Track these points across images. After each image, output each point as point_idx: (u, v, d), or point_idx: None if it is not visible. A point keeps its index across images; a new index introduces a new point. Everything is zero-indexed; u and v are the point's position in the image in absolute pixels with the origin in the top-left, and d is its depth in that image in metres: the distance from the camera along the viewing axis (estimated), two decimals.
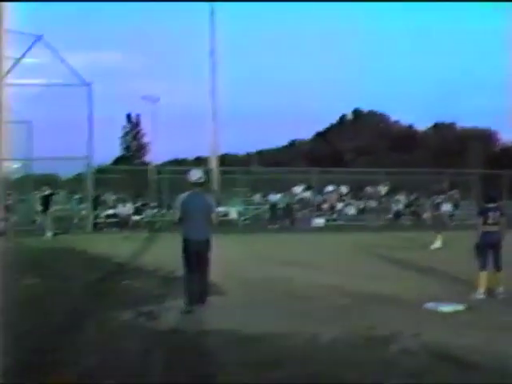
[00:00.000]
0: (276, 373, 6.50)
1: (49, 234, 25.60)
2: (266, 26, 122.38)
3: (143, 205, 33.67)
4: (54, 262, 16.31)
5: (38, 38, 30.04)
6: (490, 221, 11.47)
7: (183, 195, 10.27)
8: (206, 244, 10.11)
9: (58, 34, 79.86)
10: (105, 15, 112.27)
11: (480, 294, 11.21)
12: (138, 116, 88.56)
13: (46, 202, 26.42)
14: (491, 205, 11.71)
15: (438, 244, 20.69)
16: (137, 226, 27.19)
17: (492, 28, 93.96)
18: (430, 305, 10.32)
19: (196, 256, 9.94)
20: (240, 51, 74.52)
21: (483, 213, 11.62)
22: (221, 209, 29.04)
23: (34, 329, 8.54)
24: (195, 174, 10.32)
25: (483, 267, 11.35)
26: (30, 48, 30.10)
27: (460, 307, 10.18)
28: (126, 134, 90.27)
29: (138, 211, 27.90)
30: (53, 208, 26.71)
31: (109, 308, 10.04)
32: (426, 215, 28.73)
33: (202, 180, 10.36)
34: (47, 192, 26.77)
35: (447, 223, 23.48)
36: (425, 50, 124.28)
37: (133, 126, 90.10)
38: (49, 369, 6.60)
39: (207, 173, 27.55)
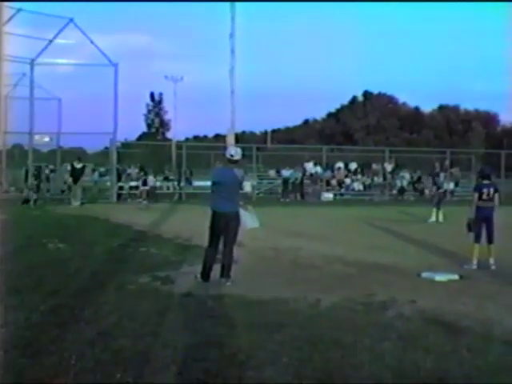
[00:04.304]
0: (279, 334, 6.54)
1: (76, 203, 25.82)
2: (282, 11, 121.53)
3: (164, 178, 33.81)
4: (79, 229, 16.43)
5: (70, 21, 30.03)
6: (484, 197, 11.46)
7: (216, 168, 10.00)
8: (233, 217, 9.57)
9: (87, 17, 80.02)
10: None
11: (473, 264, 11.26)
12: (160, 94, 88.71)
13: (78, 174, 26.62)
14: (486, 181, 11.69)
15: (439, 218, 20.66)
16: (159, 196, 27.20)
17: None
18: (426, 274, 10.34)
19: (222, 228, 9.53)
20: (258, 35, 74.18)
21: (478, 189, 11.61)
22: None
23: (58, 288, 8.61)
24: (231, 151, 9.89)
25: (477, 240, 11.39)
26: (61, 30, 30.14)
27: (454, 276, 10.21)
28: (150, 111, 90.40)
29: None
30: (82, 180, 26.93)
31: (128, 272, 10.06)
32: (428, 191, 28.64)
33: (237, 158, 9.80)
34: (80, 165, 26.97)
35: (446, 199, 23.38)
36: (430, 37, 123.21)
37: (156, 104, 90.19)
38: (71, 326, 6.70)
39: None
